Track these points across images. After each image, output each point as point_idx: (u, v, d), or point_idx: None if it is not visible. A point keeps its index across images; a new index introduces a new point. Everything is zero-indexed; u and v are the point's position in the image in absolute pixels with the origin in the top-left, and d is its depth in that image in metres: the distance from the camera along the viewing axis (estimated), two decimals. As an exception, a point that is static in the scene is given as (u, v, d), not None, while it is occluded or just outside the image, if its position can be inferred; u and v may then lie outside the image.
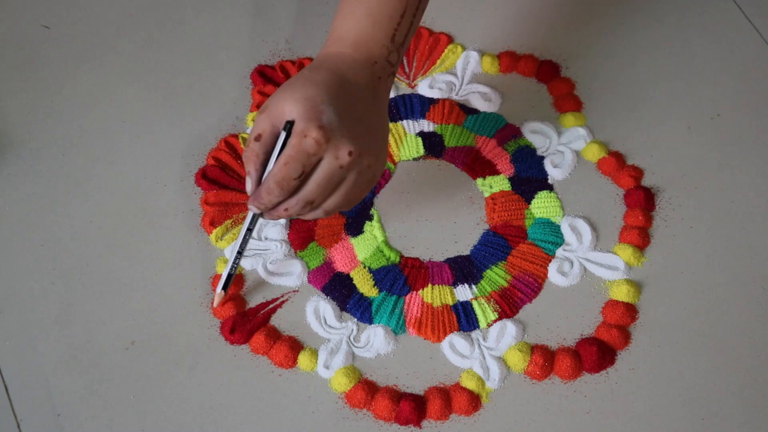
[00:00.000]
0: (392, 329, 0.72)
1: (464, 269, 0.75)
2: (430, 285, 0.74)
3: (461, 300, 0.74)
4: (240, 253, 0.68)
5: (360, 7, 0.65)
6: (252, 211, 0.65)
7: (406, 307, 0.73)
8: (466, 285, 0.74)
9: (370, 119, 0.63)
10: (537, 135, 0.82)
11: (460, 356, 0.71)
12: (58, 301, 0.72)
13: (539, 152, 0.81)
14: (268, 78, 0.84)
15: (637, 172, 0.80)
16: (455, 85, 0.85)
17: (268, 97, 0.83)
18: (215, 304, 0.71)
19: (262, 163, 0.63)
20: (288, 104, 0.61)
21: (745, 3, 0.91)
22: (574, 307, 0.74)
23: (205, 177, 0.78)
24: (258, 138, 0.62)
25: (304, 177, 0.61)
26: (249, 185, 0.63)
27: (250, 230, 0.68)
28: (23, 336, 0.71)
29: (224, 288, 0.70)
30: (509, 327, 0.72)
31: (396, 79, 0.85)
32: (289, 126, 0.61)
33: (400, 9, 0.65)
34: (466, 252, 0.76)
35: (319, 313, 0.73)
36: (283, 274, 0.74)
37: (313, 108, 0.60)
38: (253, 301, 0.73)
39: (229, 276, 0.70)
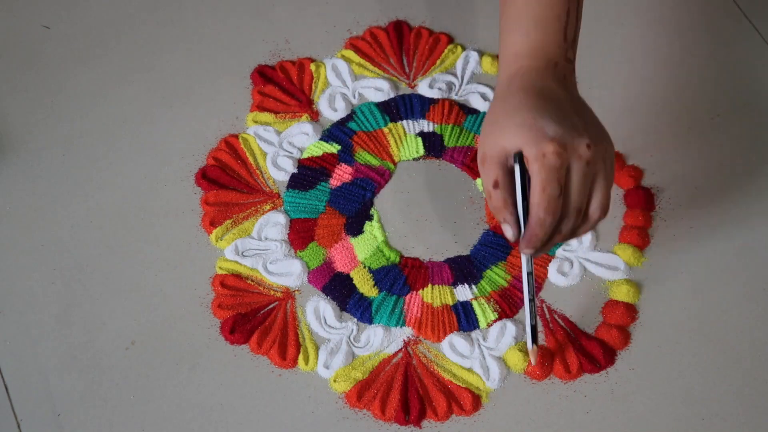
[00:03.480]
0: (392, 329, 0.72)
1: (464, 269, 0.75)
2: (430, 285, 0.74)
3: (461, 300, 0.74)
4: (532, 300, 0.66)
5: (525, 19, 0.64)
6: (527, 254, 0.62)
7: (406, 307, 0.73)
8: (466, 285, 0.74)
9: (580, 111, 0.63)
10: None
11: (460, 356, 0.71)
12: (58, 301, 0.72)
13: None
14: (268, 78, 0.84)
15: (637, 172, 0.80)
16: (455, 85, 0.85)
17: (268, 97, 0.83)
18: (533, 362, 0.69)
19: (513, 206, 0.61)
20: (505, 140, 0.60)
21: (745, 3, 0.91)
22: (574, 307, 0.74)
23: (205, 177, 0.78)
24: (496, 185, 0.61)
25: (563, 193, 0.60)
26: (509, 232, 0.62)
27: (530, 274, 0.65)
28: (23, 336, 0.71)
29: (534, 342, 0.68)
30: (509, 327, 0.72)
31: (396, 79, 0.85)
32: (518, 157, 0.60)
33: (564, 6, 0.64)
34: (466, 252, 0.76)
35: (319, 313, 0.73)
36: (283, 274, 0.74)
37: (532, 129, 0.59)
38: (253, 301, 0.73)
39: (533, 328, 0.67)
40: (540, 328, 0.72)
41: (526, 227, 0.61)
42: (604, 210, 0.62)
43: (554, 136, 0.59)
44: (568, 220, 0.61)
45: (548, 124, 0.59)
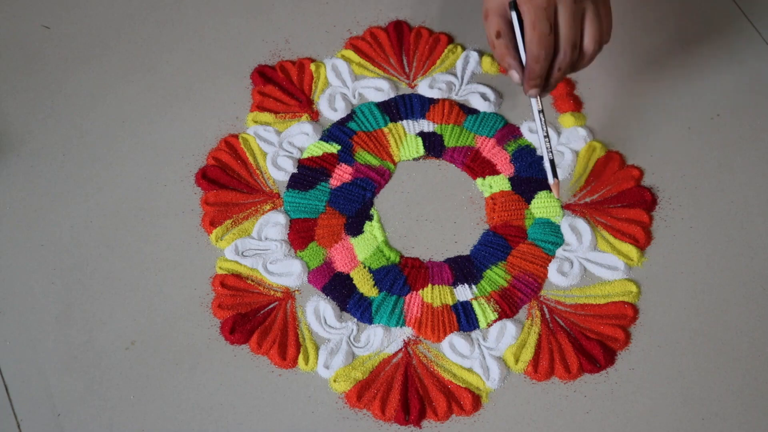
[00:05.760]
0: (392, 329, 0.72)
1: (464, 269, 0.75)
2: (430, 285, 0.74)
3: (461, 300, 0.74)
4: (546, 136, 0.71)
5: None
6: (531, 94, 0.70)
7: (406, 307, 0.73)
8: (466, 285, 0.74)
9: None
10: (537, 135, 0.82)
11: (460, 356, 0.71)
12: (58, 301, 0.72)
13: (539, 152, 0.81)
14: (268, 78, 0.84)
15: (637, 172, 0.80)
16: (455, 85, 0.85)
17: (268, 97, 0.83)
18: (557, 195, 0.72)
19: (515, 50, 0.69)
20: None
21: (745, 3, 0.91)
22: (574, 307, 0.74)
23: (205, 177, 0.78)
24: (498, 35, 0.69)
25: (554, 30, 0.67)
26: (515, 76, 0.70)
27: (541, 111, 0.71)
28: (23, 336, 0.71)
29: (555, 176, 0.72)
30: (509, 327, 0.72)
31: (396, 79, 0.85)
32: (513, 3, 0.68)
33: None
34: (466, 252, 0.76)
35: (319, 313, 0.73)
36: (283, 274, 0.74)
37: None
38: (253, 301, 0.73)
39: (551, 162, 0.71)
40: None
41: (525, 66, 0.68)
42: (597, 42, 0.69)
43: None
44: (562, 55, 0.68)
45: None
